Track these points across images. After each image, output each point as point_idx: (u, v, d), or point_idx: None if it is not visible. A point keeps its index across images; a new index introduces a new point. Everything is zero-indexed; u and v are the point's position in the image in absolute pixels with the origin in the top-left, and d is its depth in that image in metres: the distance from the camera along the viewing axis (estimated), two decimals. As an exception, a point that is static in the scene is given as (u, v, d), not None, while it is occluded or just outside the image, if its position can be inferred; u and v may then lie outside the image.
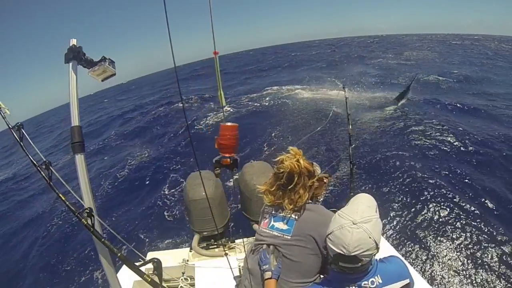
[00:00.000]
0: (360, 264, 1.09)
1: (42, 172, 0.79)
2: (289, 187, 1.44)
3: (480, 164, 6.06)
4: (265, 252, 1.41)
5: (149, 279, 0.90)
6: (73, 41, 0.84)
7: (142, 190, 6.92)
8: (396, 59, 24.10)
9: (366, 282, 1.14)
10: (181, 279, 2.40)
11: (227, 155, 1.15)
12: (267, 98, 13.26)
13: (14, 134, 0.81)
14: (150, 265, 0.94)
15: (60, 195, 0.80)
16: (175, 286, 2.43)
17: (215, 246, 2.92)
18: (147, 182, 7.27)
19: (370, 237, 1.05)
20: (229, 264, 2.06)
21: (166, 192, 6.65)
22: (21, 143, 0.82)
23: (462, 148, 6.74)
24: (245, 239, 2.87)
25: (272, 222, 1.51)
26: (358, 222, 1.06)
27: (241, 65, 33.89)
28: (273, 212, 1.54)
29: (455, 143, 6.98)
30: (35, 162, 0.80)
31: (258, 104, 12.55)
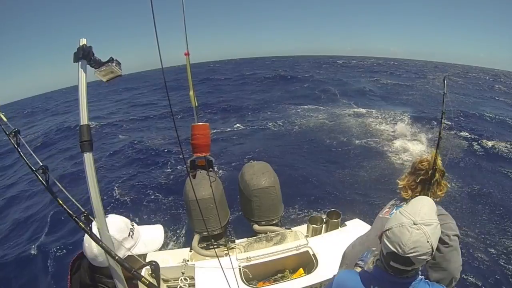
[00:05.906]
0: (411, 268, 1.06)
1: (39, 176, 0.80)
2: (433, 181, 1.58)
3: None
4: (369, 253, 1.47)
5: (147, 282, 0.91)
6: (83, 41, 0.84)
7: (141, 190, 6.92)
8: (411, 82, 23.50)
9: None
10: (181, 279, 2.41)
11: (201, 154, 1.12)
12: (276, 115, 12.85)
13: (11, 140, 0.82)
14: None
15: (57, 199, 0.81)
16: (175, 286, 2.44)
17: (215, 246, 2.93)
18: (145, 182, 7.27)
19: (428, 241, 1.02)
20: (230, 264, 2.07)
21: (165, 192, 6.66)
22: (18, 148, 0.83)
23: None
24: (245, 239, 2.88)
25: (393, 211, 1.64)
26: (419, 223, 1.03)
27: (253, 73, 32.66)
28: (397, 202, 1.68)
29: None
30: (32, 167, 0.81)
31: (271, 124, 11.91)
